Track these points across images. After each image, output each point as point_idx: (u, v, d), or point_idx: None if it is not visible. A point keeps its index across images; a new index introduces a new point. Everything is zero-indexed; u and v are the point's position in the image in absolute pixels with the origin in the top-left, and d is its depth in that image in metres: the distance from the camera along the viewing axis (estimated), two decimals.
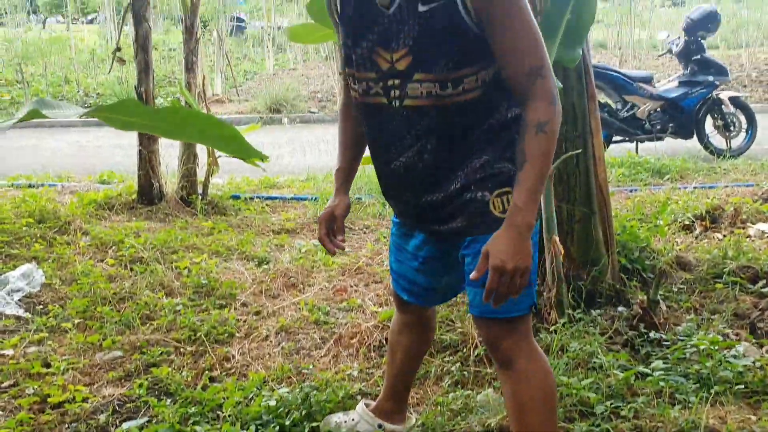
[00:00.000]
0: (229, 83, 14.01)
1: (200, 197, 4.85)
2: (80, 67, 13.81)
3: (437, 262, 1.82)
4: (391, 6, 1.53)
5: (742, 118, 7.03)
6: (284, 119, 11.87)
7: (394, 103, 1.59)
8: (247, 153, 2.11)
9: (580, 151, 2.72)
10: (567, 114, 2.80)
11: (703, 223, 3.97)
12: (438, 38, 1.51)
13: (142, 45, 4.51)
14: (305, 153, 8.53)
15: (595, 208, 2.91)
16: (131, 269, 3.57)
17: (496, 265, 1.46)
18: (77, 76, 12.89)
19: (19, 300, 3.18)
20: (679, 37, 7.19)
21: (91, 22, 29.97)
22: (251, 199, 5.17)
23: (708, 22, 6.92)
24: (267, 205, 5.13)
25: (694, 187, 5.02)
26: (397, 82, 1.57)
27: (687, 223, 3.97)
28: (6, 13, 17.08)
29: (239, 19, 21.32)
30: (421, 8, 1.50)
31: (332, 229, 1.85)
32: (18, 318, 3.04)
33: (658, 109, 6.94)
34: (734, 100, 7.05)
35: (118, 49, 4.61)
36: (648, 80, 7.07)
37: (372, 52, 1.58)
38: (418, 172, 1.63)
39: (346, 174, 1.90)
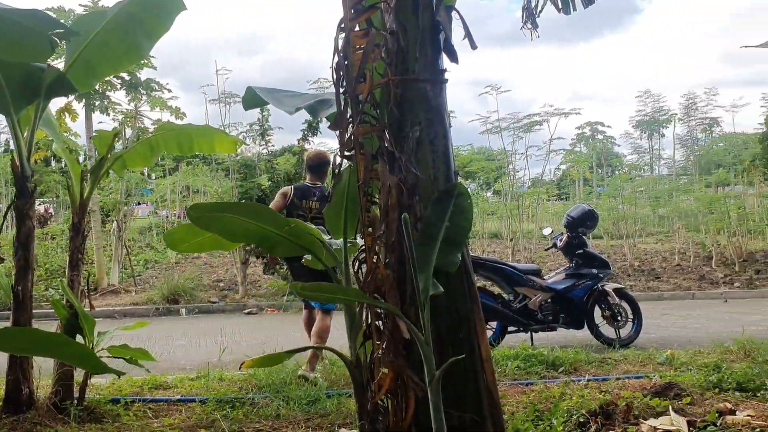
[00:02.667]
0: (126, 272, 13.67)
1: (75, 402, 4.46)
2: None
3: None
4: None
5: (628, 309, 7.38)
6: (182, 310, 11.53)
7: None
8: (101, 370, 2.00)
9: (463, 355, 2.70)
10: (451, 317, 2.82)
11: (597, 419, 3.96)
12: None
13: (23, 243, 4.33)
14: (200, 346, 8.19)
15: (485, 413, 2.84)
16: None
17: None
18: None
19: None
20: (561, 233, 7.68)
21: None
22: (132, 402, 4.80)
23: (587, 219, 7.48)
24: (150, 408, 4.77)
25: (588, 380, 5.07)
26: None
27: (582, 420, 3.95)
28: None
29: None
30: None
31: None
32: None
33: (549, 300, 7.21)
34: (619, 292, 7.43)
35: None
36: (537, 273, 7.40)
37: None
38: None
39: None
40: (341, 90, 2.92)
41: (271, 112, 12.81)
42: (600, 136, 32.30)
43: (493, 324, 7.16)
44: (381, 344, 2.82)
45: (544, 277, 7.48)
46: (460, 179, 2.93)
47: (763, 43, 5.14)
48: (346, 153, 2.94)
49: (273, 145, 12.75)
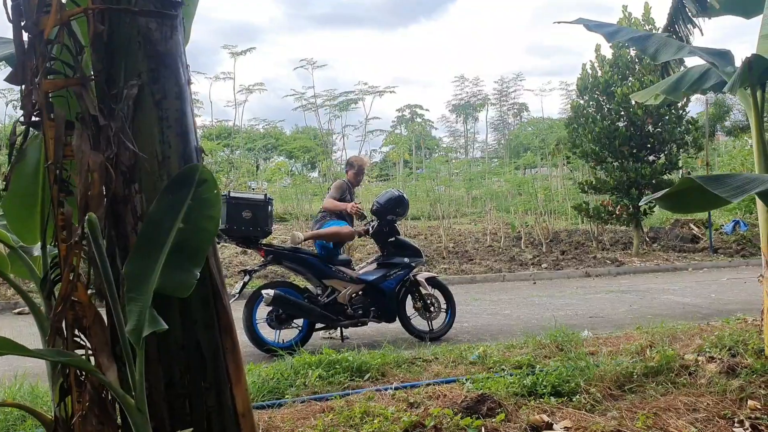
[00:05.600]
0: None
1: None
2: None
3: None
4: None
5: (441, 298, 6.94)
6: None
7: None
8: None
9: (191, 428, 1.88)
10: (189, 359, 1.98)
11: None
12: None
13: None
14: None
15: None
16: None
17: None
18: None
19: None
20: (372, 220, 7.02)
21: None
22: None
23: (396, 206, 6.85)
24: None
25: (396, 388, 4.46)
26: None
27: None
28: None
29: None
30: None
31: None
32: None
33: (360, 293, 6.57)
34: (431, 281, 6.96)
35: None
36: (347, 263, 6.74)
37: None
38: None
39: None
40: (21, 25, 1.95)
41: None
42: (419, 119, 32.82)
43: (299, 322, 6.40)
44: (83, 404, 1.92)
45: (355, 268, 6.83)
46: (203, 159, 2.07)
47: (576, 19, 5.14)
48: (33, 118, 1.98)
49: None
